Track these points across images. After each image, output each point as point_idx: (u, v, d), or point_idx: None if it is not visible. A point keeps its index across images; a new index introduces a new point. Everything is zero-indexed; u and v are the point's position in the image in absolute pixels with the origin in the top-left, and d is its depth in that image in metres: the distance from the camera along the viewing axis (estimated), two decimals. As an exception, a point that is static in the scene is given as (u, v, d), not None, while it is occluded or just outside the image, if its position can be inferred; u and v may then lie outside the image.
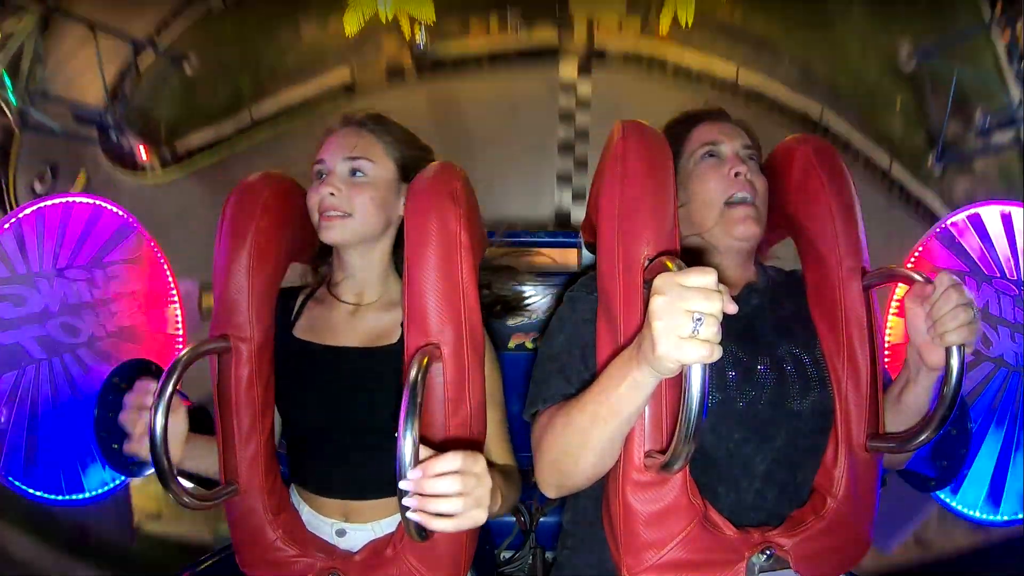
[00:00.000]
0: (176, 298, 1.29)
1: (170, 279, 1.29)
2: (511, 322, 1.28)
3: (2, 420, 1.12)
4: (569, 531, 0.96)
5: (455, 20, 3.15)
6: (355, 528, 0.91)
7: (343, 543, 0.91)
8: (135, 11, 2.92)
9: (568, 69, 3.08)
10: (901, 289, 1.18)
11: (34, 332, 1.15)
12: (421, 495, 0.65)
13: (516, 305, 1.06)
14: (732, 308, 0.56)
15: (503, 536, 1.25)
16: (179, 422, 0.82)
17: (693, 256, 0.90)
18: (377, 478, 0.90)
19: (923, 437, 0.75)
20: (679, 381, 0.59)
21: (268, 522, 0.87)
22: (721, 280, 0.57)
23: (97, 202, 1.25)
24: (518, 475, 0.93)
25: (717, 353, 0.55)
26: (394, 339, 0.92)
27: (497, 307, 1.02)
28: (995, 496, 1.16)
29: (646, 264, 0.73)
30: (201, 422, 0.92)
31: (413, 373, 0.70)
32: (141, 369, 1.04)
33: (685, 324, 0.55)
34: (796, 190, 0.88)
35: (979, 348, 1.19)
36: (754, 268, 0.95)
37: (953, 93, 2.59)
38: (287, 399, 0.93)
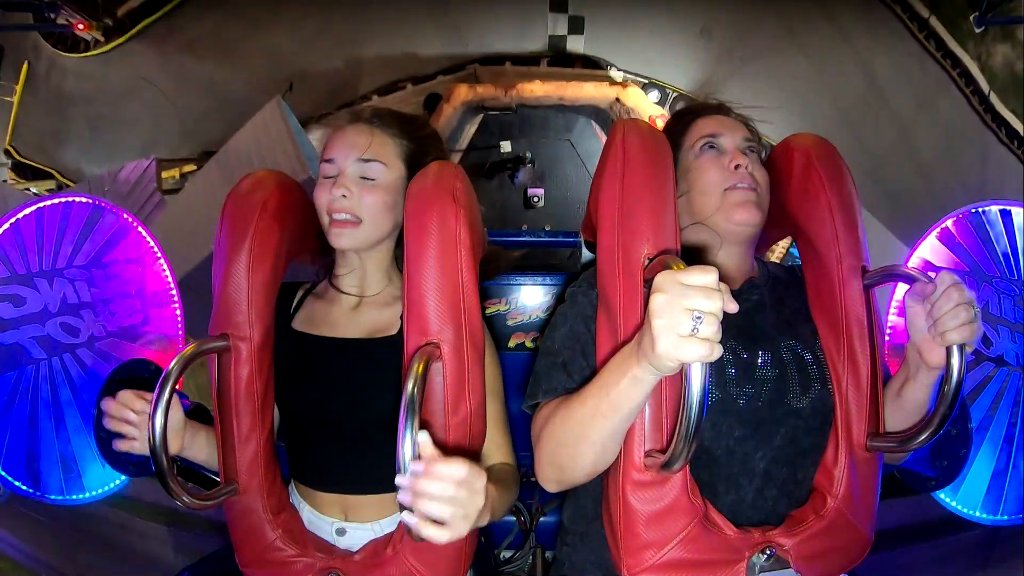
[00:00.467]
0: (176, 298, 1.29)
1: (170, 279, 1.29)
2: (511, 321, 1.28)
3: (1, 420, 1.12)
4: (569, 529, 0.96)
5: None
6: (355, 528, 0.91)
7: (343, 543, 0.90)
8: None
9: None
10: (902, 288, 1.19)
11: (34, 332, 1.15)
12: (415, 492, 0.65)
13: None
14: (733, 307, 0.56)
15: (503, 536, 1.25)
16: (174, 412, 0.83)
17: (694, 254, 0.90)
18: (377, 473, 0.90)
19: (923, 437, 0.75)
20: (679, 380, 0.59)
21: (268, 522, 0.87)
22: (721, 275, 0.57)
23: (97, 202, 1.25)
24: (516, 473, 0.92)
25: (717, 352, 0.55)
26: (393, 331, 0.92)
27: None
28: (995, 496, 1.16)
29: (646, 263, 0.73)
30: (201, 421, 0.92)
31: (413, 372, 0.70)
32: (140, 370, 1.04)
33: (685, 322, 0.55)
34: (796, 188, 0.88)
35: (979, 348, 1.18)
36: (754, 263, 0.95)
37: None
38: (287, 391, 0.93)
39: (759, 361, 0.83)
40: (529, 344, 1.29)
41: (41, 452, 1.15)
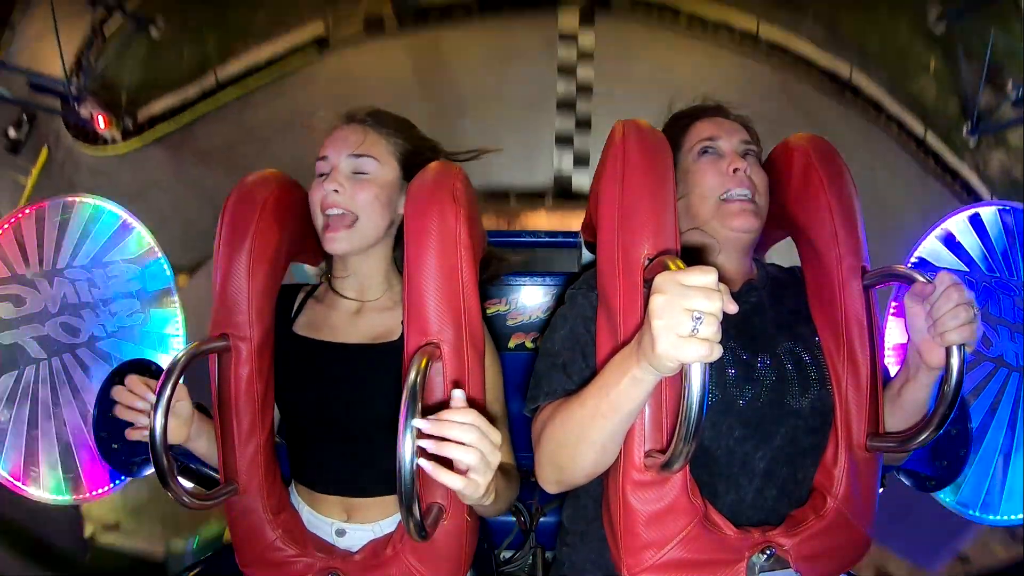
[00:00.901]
0: (176, 298, 1.29)
1: (170, 279, 1.29)
2: (511, 322, 1.28)
3: (1, 420, 1.12)
4: (569, 529, 0.97)
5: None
6: (355, 528, 0.91)
7: (343, 543, 0.91)
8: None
9: (569, 18, 2.74)
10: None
11: (34, 332, 1.15)
12: (437, 438, 0.64)
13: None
14: (732, 307, 0.56)
15: (503, 536, 1.25)
16: (183, 401, 0.84)
17: (693, 255, 0.90)
18: (377, 475, 0.90)
19: (923, 437, 0.75)
20: (679, 380, 0.59)
21: (268, 522, 0.87)
22: (720, 277, 0.57)
23: (97, 202, 1.25)
24: (517, 474, 0.93)
25: (717, 352, 0.55)
26: (395, 336, 0.92)
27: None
28: (995, 496, 1.16)
29: (646, 264, 0.73)
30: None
31: (413, 372, 0.70)
32: (141, 369, 1.04)
33: (685, 323, 0.55)
34: (796, 189, 0.88)
35: (979, 348, 1.18)
36: (753, 265, 0.95)
37: (988, 59, 2.40)
38: (288, 395, 0.93)
39: (758, 363, 0.84)
40: (529, 344, 1.29)
41: (41, 452, 1.15)
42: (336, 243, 0.89)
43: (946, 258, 1.22)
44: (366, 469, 0.90)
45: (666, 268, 0.60)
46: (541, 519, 1.23)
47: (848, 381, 0.82)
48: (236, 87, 2.80)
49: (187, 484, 0.83)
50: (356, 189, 0.90)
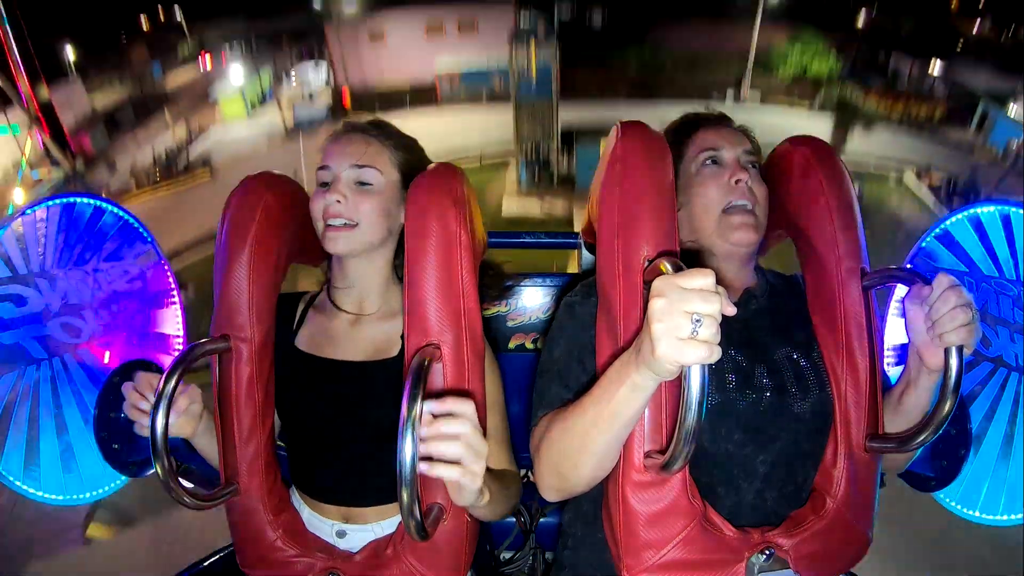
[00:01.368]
0: (176, 298, 1.29)
1: (170, 279, 1.29)
2: (511, 323, 1.28)
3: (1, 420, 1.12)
4: (568, 531, 0.97)
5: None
6: (355, 528, 0.91)
7: (343, 543, 0.91)
8: None
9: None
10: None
11: (34, 332, 1.15)
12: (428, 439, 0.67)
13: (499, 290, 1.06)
14: (731, 310, 0.56)
15: (503, 536, 1.25)
16: (195, 399, 0.86)
17: (692, 258, 0.90)
18: (378, 484, 0.90)
19: (923, 437, 0.75)
20: (678, 382, 0.59)
21: (268, 522, 0.87)
22: (720, 284, 0.57)
23: (97, 202, 1.25)
24: (518, 479, 0.93)
25: (716, 354, 0.55)
26: (394, 352, 0.92)
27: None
28: (995, 496, 1.16)
29: (646, 265, 0.74)
30: None
31: (413, 373, 0.71)
32: (143, 370, 1.04)
33: (684, 325, 0.55)
34: (795, 191, 0.88)
35: (979, 348, 1.18)
36: (753, 273, 0.95)
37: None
38: (289, 409, 0.93)
39: (758, 370, 0.84)
40: (529, 345, 1.29)
41: (41, 452, 1.15)
42: (336, 243, 0.89)
43: (946, 258, 1.22)
44: (366, 478, 0.91)
45: (665, 270, 0.60)
46: (541, 520, 1.24)
47: (847, 382, 0.82)
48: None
49: (188, 484, 0.83)
50: (359, 200, 0.90)
